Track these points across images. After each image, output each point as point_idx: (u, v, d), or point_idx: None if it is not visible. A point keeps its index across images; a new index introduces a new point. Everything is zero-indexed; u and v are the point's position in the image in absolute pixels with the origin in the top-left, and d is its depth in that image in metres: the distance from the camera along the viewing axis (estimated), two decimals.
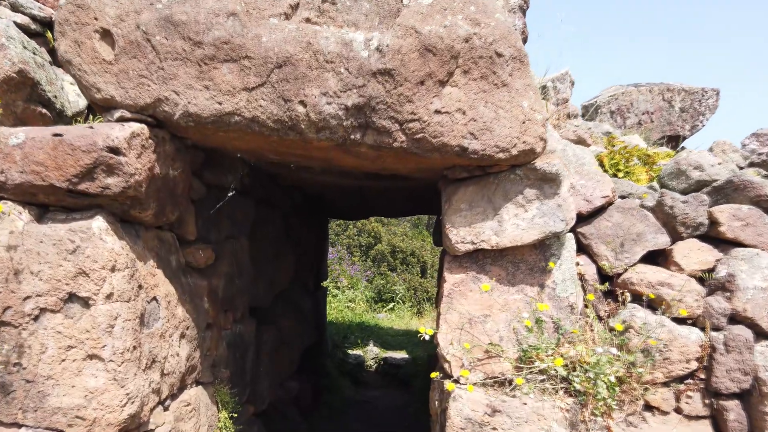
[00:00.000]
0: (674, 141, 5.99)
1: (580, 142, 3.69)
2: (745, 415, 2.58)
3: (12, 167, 2.08)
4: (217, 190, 3.13)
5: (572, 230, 2.83)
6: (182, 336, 2.65)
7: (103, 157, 2.06)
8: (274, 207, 4.26)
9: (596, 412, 2.45)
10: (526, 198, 2.64)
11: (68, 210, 2.23)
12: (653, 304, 2.68)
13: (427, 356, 8.06)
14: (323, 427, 5.75)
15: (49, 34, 3.24)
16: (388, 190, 4.62)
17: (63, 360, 2.08)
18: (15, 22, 2.91)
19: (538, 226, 2.64)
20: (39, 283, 2.07)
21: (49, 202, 2.19)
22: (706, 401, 2.62)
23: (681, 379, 2.65)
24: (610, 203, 2.88)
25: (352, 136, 2.37)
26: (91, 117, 3.21)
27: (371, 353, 8.47)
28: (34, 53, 2.55)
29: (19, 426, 2.11)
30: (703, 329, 2.64)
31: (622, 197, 3.01)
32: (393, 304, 12.13)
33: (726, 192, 2.89)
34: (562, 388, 2.54)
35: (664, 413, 2.59)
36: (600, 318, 2.75)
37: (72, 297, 2.09)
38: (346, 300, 11.36)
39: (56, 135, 2.08)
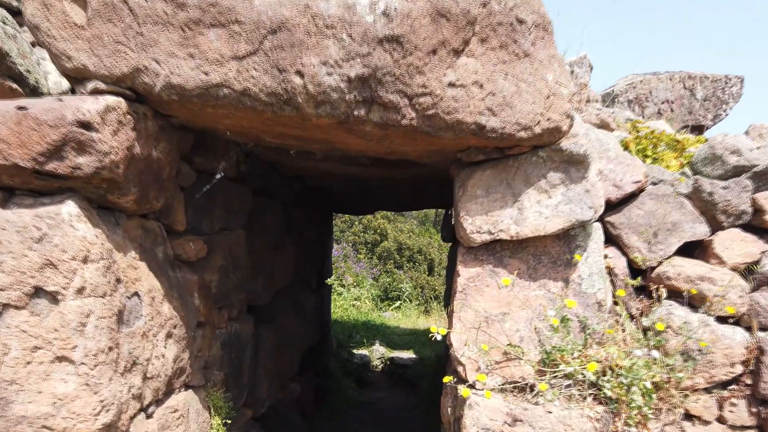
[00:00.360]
0: (696, 131, 5.68)
1: (603, 126, 3.41)
2: None
3: None
4: (208, 176, 2.88)
5: (600, 219, 2.56)
6: (169, 335, 2.40)
7: (72, 132, 1.81)
8: (273, 197, 4.01)
9: (630, 422, 2.18)
10: (550, 183, 2.38)
11: (37, 194, 1.98)
12: (692, 302, 2.40)
13: (435, 356, 7.80)
14: (326, 430, 5.50)
15: None
16: (394, 180, 4.36)
17: (28, 363, 1.84)
18: None
19: (563, 214, 2.37)
20: (1, 276, 1.82)
21: (14, 185, 1.95)
22: (753, 409, 2.34)
23: (724, 385, 2.37)
24: (641, 189, 2.61)
25: (356, 112, 2.11)
26: None
27: (377, 353, 8.21)
28: (4, 23, 2.31)
29: None
30: (748, 329, 2.36)
31: (653, 184, 2.73)
32: (399, 302, 11.87)
33: None
34: (590, 394, 2.27)
35: (706, 423, 2.32)
36: (632, 317, 2.48)
37: (38, 291, 1.84)
38: (351, 298, 11.11)
39: (20, 108, 1.83)
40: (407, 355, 8.31)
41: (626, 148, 3.27)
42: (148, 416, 2.23)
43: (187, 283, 2.66)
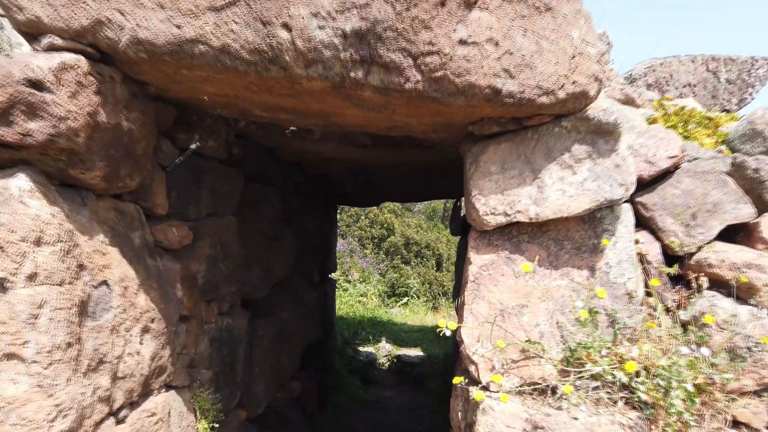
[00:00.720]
0: None
1: (628, 102, 3.11)
2: None
3: None
4: (194, 156, 2.62)
5: (629, 200, 2.27)
6: (145, 330, 2.14)
7: (20, 93, 1.56)
8: (270, 184, 3.75)
9: (668, 430, 1.89)
10: (575, 157, 2.09)
11: None
12: (737, 292, 2.11)
13: (443, 354, 7.52)
14: (330, 430, 5.25)
15: None
16: (399, 167, 4.08)
17: None
18: None
19: (589, 192, 2.08)
20: None
21: None
22: None
23: None
24: (677, 166, 2.31)
25: (353, 74, 1.83)
26: None
27: (383, 350, 7.95)
28: None
29: None
30: None
31: (689, 161, 2.43)
32: (407, 298, 11.60)
33: None
34: (622, 398, 1.98)
35: (755, 431, 2.02)
36: (667, 309, 2.19)
37: None
38: (357, 294, 10.85)
39: None
40: (414, 352, 8.05)
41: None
42: (119, 421, 1.98)
43: (168, 272, 2.41)
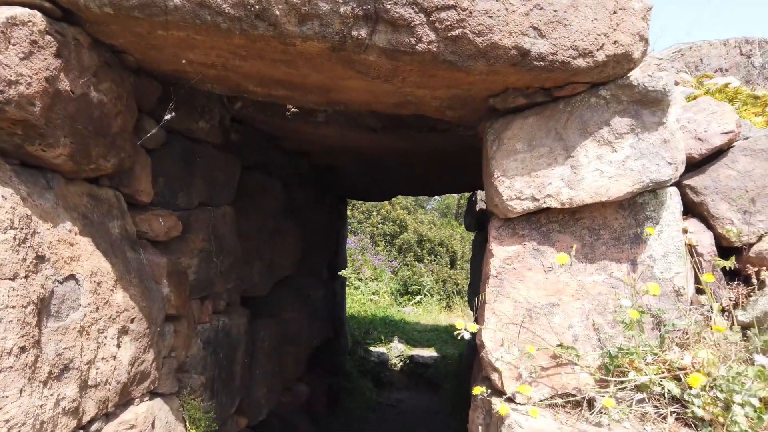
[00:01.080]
0: None
1: None
2: None
3: None
4: (183, 138, 2.37)
5: (676, 184, 1.97)
6: (123, 332, 1.90)
7: None
8: (272, 174, 3.50)
9: None
10: (615, 131, 1.80)
11: None
12: None
13: (458, 355, 7.23)
14: None
15: None
16: (411, 156, 3.80)
17: None
18: None
19: (632, 172, 1.79)
20: None
21: None
22: None
23: None
24: (731, 144, 2.00)
25: (355, 33, 1.56)
26: None
27: (396, 351, 7.67)
28: None
29: None
30: None
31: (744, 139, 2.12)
32: (420, 297, 11.30)
33: None
34: (672, 413, 1.68)
35: None
36: (723, 309, 1.89)
37: None
38: (369, 292, 10.58)
39: None
40: (428, 353, 7.76)
41: None
42: None
43: (153, 267, 2.16)
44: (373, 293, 10.57)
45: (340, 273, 6.52)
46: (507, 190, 1.86)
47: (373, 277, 11.03)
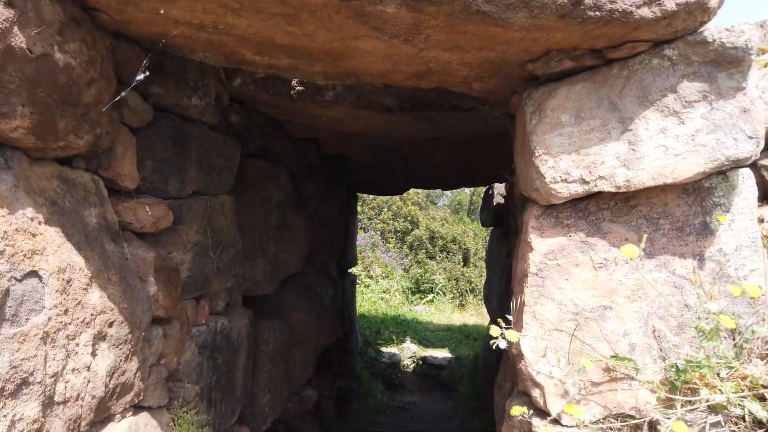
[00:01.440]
0: None
1: None
2: None
3: None
4: (174, 117, 2.10)
5: (751, 164, 1.66)
6: (100, 337, 1.63)
7: None
8: (278, 162, 3.22)
9: None
10: (684, 99, 1.49)
11: None
12: None
13: (473, 356, 6.93)
14: None
15: None
16: (427, 142, 3.51)
17: None
18: None
19: (704, 148, 1.49)
20: None
21: None
22: None
23: None
24: None
25: None
26: None
27: (408, 351, 7.38)
28: None
29: None
30: None
31: None
32: (432, 295, 11.00)
33: None
34: None
35: None
36: None
37: None
38: (379, 291, 10.29)
39: None
40: (442, 354, 7.47)
41: None
42: None
43: (138, 262, 1.89)
44: (384, 291, 10.28)
45: (349, 270, 6.25)
46: (551, 171, 1.56)
47: (383, 275, 10.75)
